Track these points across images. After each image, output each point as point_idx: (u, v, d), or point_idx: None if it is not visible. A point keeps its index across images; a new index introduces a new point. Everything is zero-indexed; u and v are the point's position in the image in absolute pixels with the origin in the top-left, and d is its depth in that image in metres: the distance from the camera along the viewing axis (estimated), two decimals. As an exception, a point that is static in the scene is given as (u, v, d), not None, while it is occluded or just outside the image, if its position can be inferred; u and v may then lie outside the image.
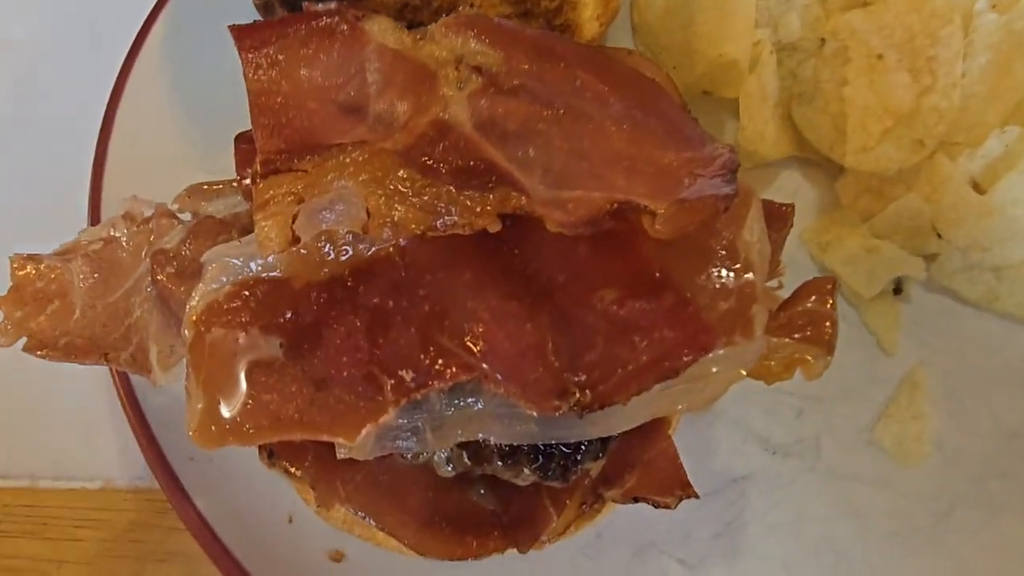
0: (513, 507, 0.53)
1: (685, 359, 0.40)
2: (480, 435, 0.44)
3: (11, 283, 0.47)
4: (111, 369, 0.58)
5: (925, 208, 0.65)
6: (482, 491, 0.53)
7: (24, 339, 0.45)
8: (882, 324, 0.66)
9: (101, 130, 0.68)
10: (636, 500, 0.52)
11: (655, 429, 0.55)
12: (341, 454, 0.43)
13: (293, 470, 0.50)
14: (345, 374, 0.41)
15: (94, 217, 0.66)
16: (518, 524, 0.52)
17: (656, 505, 0.52)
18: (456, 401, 0.43)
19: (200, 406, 0.41)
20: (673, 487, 0.52)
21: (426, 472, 0.52)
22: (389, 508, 0.51)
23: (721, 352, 0.42)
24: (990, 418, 0.63)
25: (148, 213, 0.52)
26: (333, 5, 0.43)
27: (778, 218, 0.53)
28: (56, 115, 0.78)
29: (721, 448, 0.63)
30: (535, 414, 0.42)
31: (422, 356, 0.41)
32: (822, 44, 0.70)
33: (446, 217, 0.40)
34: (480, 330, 0.41)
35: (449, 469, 0.49)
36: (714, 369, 0.43)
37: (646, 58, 0.54)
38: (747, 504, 0.61)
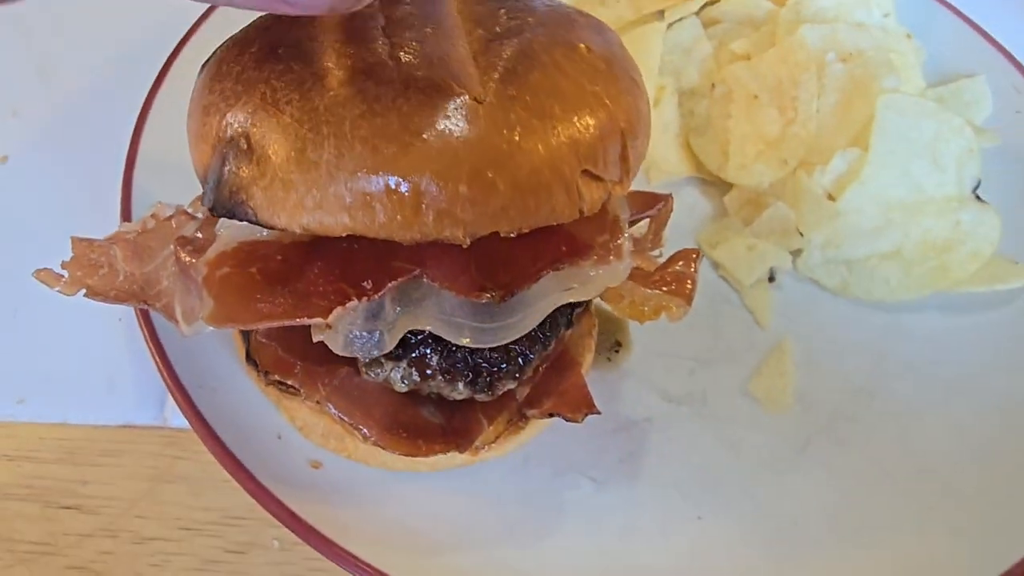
0: (455, 421, 0.63)
1: (569, 259, 0.52)
2: (427, 327, 0.54)
3: (72, 254, 0.58)
4: (138, 320, 0.69)
5: (790, 214, 0.79)
6: (432, 409, 0.64)
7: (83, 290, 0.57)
8: (758, 305, 0.78)
9: (130, 145, 0.80)
10: (552, 415, 0.63)
11: (569, 367, 0.67)
12: (316, 338, 0.54)
13: (285, 380, 0.61)
14: (320, 289, 0.51)
15: (124, 214, 0.77)
16: (458, 432, 0.63)
17: (567, 419, 0.62)
18: (406, 306, 0.53)
19: (211, 307, 0.51)
20: (581, 407, 0.64)
21: (387, 393, 0.63)
22: (359, 414, 0.62)
23: (602, 269, 0.55)
24: (841, 377, 0.75)
25: (170, 212, 0.64)
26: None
27: (658, 200, 0.66)
28: (93, 132, 0.90)
29: (627, 398, 0.73)
30: (464, 321, 0.54)
31: (380, 272, 0.51)
32: (713, 88, 0.85)
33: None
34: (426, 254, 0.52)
35: (403, 385, 0.59)
36: (593, 274, 0.55)
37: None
38: (646, 439, 0.71)
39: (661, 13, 0.91)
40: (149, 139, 0.80)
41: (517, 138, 0.47)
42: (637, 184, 0.63)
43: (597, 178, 0.51)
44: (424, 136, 0.46)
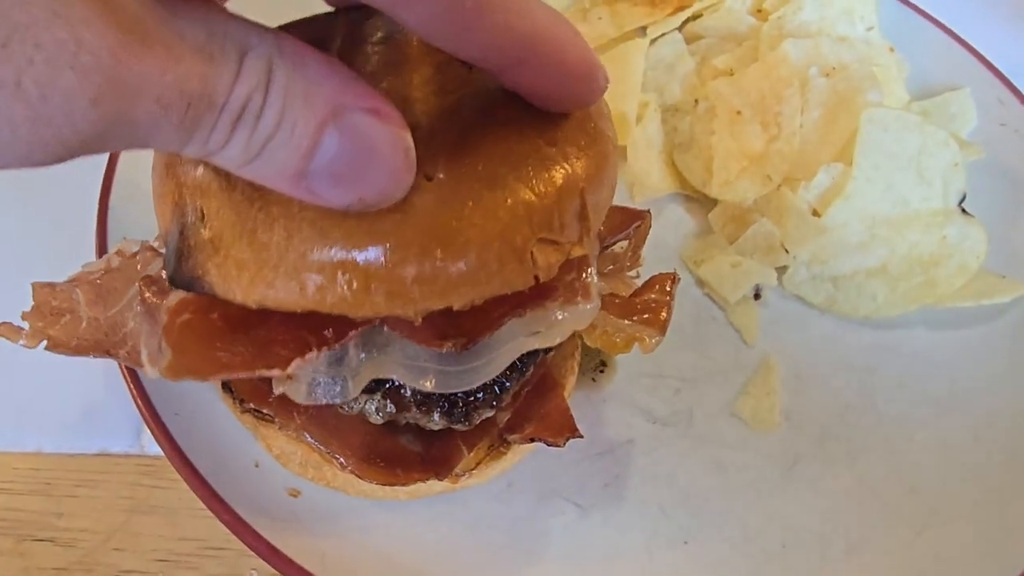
0: (434, 449, 0.62)
1: (533, 302, 0.50)
2: (391, 376, 0.53)
3: (33, 303, 0.57)
4: (112, 355, 0.67)
5: (775, 230, 0.77)
6: (410, 437, 0.62)
7: (44, 342, 0.55)
8: (744, 322, 0.77)
9: (103, 183, 0.78)
10: (533, 440, 0.61)
11: (551, 390, 0.65)
12: (277, 390, 0.52)
13: (260, 409, 0.60)
14: (281, 338, 0.49)
15: (100, 249, 0.75)
16: (437, 460, 0.61)
17: (548, 443, 0.61)
18: (370, 352, 0.52)
19: (169, 357, 0.49)
20: (563, 431, 0.62)
21: (363, 422, 0.61)
22: (336, 443, 0.60)
23: (568, 312, 0.53)
24: (828, 395, 0.74)
25: (135, 249, 0.62)
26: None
27: (635, 218, 0.64)
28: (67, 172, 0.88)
29: (612, 420, 0.72)
30: (429, 365, 0.52)
31: (342, 320, 0.48)
32: (696, 104, 0.83)
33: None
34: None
35: (378, 417, 0.58)
36: (559, 317, 0.53)
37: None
38: (631, 461, 0.70)
39: (643, 29, 0.90)
40: (125, 164, 0.78)
41: (467, 212, 0.45)
42: (620, 200, 0.61)
43: (553, 242, 0.50)
44: (371, 219, 0.44)
